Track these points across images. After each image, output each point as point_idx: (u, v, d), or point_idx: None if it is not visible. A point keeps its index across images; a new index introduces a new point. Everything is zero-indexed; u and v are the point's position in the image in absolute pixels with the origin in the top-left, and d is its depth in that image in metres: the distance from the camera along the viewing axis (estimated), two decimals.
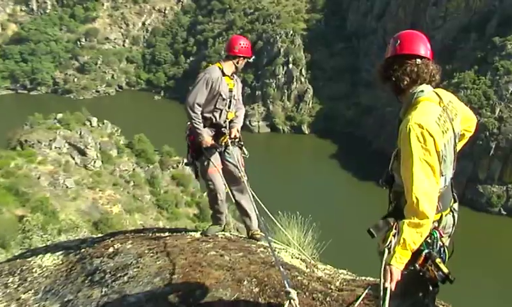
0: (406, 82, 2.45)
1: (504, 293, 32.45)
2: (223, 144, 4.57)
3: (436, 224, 2.43)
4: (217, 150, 4.59)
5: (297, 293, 3.45)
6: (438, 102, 2.46)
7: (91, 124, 45.24)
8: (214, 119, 4.56)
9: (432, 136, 2.30)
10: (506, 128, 49.48)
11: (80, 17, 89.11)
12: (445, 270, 2.31)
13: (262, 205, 4.78)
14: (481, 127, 49.18)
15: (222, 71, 4.55)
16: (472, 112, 2.78)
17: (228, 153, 4.63)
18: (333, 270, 4.40)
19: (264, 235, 4.47)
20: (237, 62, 4.54)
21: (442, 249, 2.41)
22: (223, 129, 4.59)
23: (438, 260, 2.32)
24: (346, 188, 51.69)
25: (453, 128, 2.48)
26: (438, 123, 2.37)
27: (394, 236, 2.40)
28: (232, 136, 4.59)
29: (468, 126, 2.75)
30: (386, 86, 2.54)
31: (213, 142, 4.53)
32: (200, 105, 4.46)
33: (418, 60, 2.45)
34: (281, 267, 3.29)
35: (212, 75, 4.47)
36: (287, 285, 2.92)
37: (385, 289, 2.22)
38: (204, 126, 4.54)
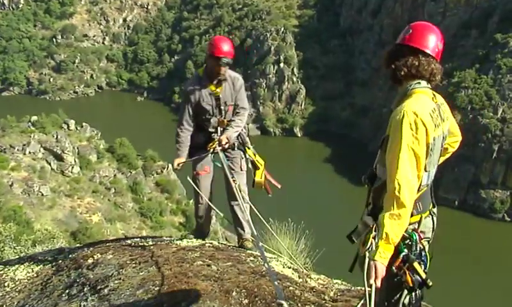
0: (403, 73, 2.54)
1: (507, 302, 32.80)
2: (211, 150, 4.64)
3: (416, 226, 2.48)
4: (210, 154, 4.70)
5: (290, 304, 3.47)
6: (432, 98, 2.54)
7: (68, 127, 44.90)
8: (205, 127, 4.70)
9: (425, 126, 2.38)
10: (509, 129, 49.80)
11: (56, 12, 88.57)
12: (422, 274, 2.36)
13: (256, 211, 4.87)
14: (483, 129, 49.76)
15: (202, 78, 4.63)
16: (459, 129, 2.84)
17: (214, 158, 4.72)
18: (327, 280, 4.42)
19: (255, 242, 4.50)
20: (219, 67, 4.50)
21: (423, 253, 2.46)
22: (213, 135, 4.69)
23: (415, 264, 2.37)
24: (341, 194, 51.89)
25: (443, 129, 2.56)
26: (431, 115, 2.45)
27: (374, 238, 2.44)
28: (223, 143, 4.64)
29: (453, 142, 2.82)
30: (388, 71, 2.62)
31: (180, 162, 4.65)
32: (187, 123, 4.66)
33: (422, 56, 2.52)
34: (273, 276, 3.30)
35: (189, 89, 4.64)
36: (279, 296, 2.93)
37: (370, 286, 2.26)
38: (199, 132, 4.73)
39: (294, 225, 5.74)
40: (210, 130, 4.69)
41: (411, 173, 2.35)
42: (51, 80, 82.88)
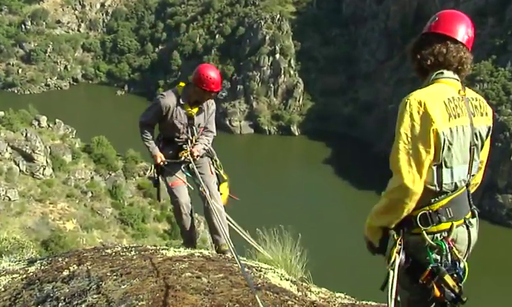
0: (429, 62, 2.58)
1: None
2: (182, 157, 5.19)
3: (445, 234, 2.47)
4: (182, 166, 5.30)
5: None
6: (457, 89, 2.56)
7: (39, 124, 44.59)
8: (174, 139, 5.29)
9: (428, 113, 2.39)
10: None
11: None
12: (456, 288, 2.35)
13: (232, 221, 5.39)
14: (500, 127, 49.95)
15: (180, 97, 5.12)
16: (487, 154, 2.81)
17: (185, 170, 5.31)
18: (329, 294, 4.43)
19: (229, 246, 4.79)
20: (203, 97, 5.10)
21: (457, 264, 2.44)
22: (184, 146, 5.25)
23: (446, 277, 2.36)
24: (342, 198, 52.06)
25: (471, 123, 2.55)
26: (445, 104, 2.46)
27: (399, 253, 2.43)
28: (195, 155, 5.18)
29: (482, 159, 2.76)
30: (414, 65, 2.68)
31: (162, 158, 5.21)
32: (148, 125, 5.23)
33: (451, 43, 2.55)
34: (245, 270, 3.30)
35: (164, 102, 5.11)
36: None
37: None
38: (167, 145, 5.32)
39: (290, 232, 5.76)
40: (179, 143, 5.26)
41: (406, 165, 2.39)
42: (20, 71, 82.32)
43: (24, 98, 71.09)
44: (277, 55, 72.56)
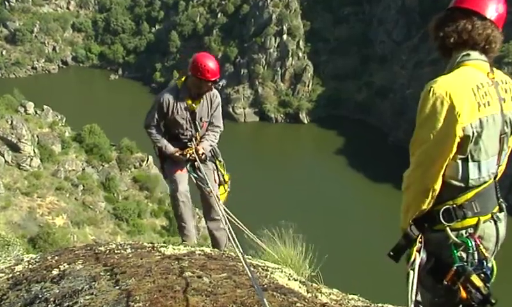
0: (453, 40, 2.54)
1: None
2: (188, 155, 5.44)
3: (471, 231, 2.46)
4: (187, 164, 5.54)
5: None
6: (486, 72, 2.52)
7: (26, 111, 44.73)
8: (179, 138, 5.54)
9: (452, 104, 2.35)
10: None
11: None
12: (483, 289, 2.34)
13: (237, 221, 5.52)
14: None
15: (180, 91, 5.38)
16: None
17: (190, 170, 5.51)
18: (341, 295, 4.44)
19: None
20: (201, 87, 5.28)
21: (484, 263, 2.43)
22: (189, 144, 5.49)
23: (473, 277, 2.35)
24: (356, 192, 52.10)
25: (502, 110, 2.51)
26: (474, 92, 2.42)
27: (419, 251, 2.42)
28: (200, 153, 5.42)
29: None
30: (436, 44, 2.65)
31: (177, 150, 5.47)
32: (153, 126, 5.50)
33: (477, 20, 2.52)
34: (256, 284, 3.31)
35: (164, 98, 5.38)
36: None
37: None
38: (172, 142, 5.55)
39: (298, 228, 5.79)
40: (184, 140, 5.51)
41: (425, 159, 2.39)
42: (4, 53, 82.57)
43: (9, 82, 71.26)
44: (284, 36, 72.37)
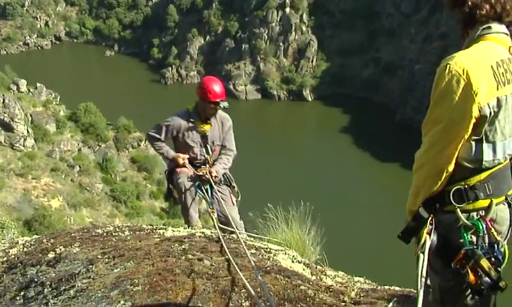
0: (484, 12, 2.41)
1: None
2: (201, 173, 5.62)
3: (483, 213, 2.44)
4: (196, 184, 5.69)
5: None
6: (507, 46, 2.44)
7: (18, 88, 44.68)
8: (191, 161, 5.74)
9: (469, 82, 2.28)
10: None
11: None
12: (493, 274, 2.33)
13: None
14: None
15: (191, 114, 5.66)
16: None
17: (196, 185, 5.66)
18: (347, 278, 4.46)
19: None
20: (206, 109, 5.57)
21: (496, 248, 2.41)
22: (202, 167, 5.70)
23: (482, 261, 2.34)
24: (362, 171, 52.13)
25: None
26: (493, 69, 2.34)
27: (430, 233, 2.42)
28: (213, 175, 5.61)
29: None
30: (454, 14, 2.51)
31: (179, 155, 5.67)
32: (157, 139, 5.74)
33: None
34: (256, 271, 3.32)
35: (175, 123, 5.68)
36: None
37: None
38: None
39: (302, 209, 5.81)
40: (197, 164, 5.72)
41: (438, 138, 2.35)
42: None
43: (0, 59, 71.04)
44: (287, 9, 71.81)
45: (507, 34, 2.45)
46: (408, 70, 62.12)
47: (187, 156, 5.67)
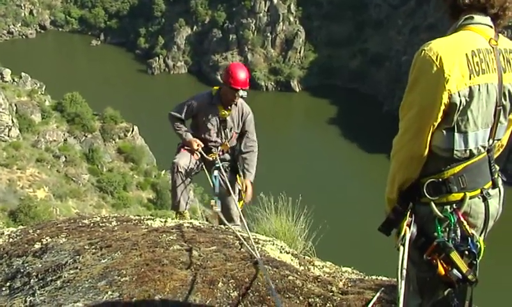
0: (468, 1, 2.44)
1: None
2: (211, 158, 5.73)
3: (455, 206, 2.45)
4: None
5: (289, 297, 3.52)
6: (488, 38, 2.44)
7: (2, 78, 44.25)
8: (207, 142, 5.81)
9: (440, 68, 2.28)
10: None
11: None
12: (462, 267, 2.33)
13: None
14: None
15: (213, 97, 5.70)
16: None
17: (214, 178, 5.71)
18: (335, 268, 4.49)
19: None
20: (235, 96, 5.57)
21: (469, 241, 2.42)
22: (213, 149, 5.81)
23: (453, 254, 2.34)
24: (350, 162, 52.39)
25: (500, 80, 2.42)
26: (468, 58, 2.34)
27: (409, 225, 2.43)
28: (243, 190, 5.73)
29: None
30: (446, 4, 2.54)
31: (195, 140, 5.71)
32: (178, 119, 5.77)
33: None
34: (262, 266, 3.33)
35: (198, 101, 5.75)
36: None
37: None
38: None
39: (291, 201, 5.84)
40: (212, 147, 5.81)
41: (411, 123, 2.38)
42: None
43: None
44: (275, 0, 71.63)
45: (491, 26, 2.46)
46: (395, 61, 62.33)
47: (202, 145, 5.72)
